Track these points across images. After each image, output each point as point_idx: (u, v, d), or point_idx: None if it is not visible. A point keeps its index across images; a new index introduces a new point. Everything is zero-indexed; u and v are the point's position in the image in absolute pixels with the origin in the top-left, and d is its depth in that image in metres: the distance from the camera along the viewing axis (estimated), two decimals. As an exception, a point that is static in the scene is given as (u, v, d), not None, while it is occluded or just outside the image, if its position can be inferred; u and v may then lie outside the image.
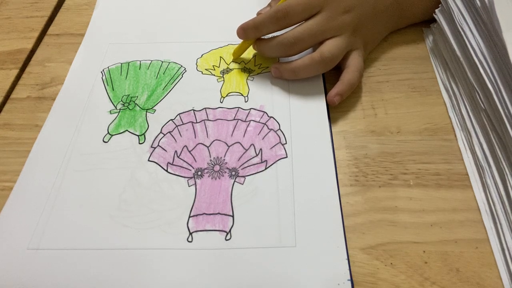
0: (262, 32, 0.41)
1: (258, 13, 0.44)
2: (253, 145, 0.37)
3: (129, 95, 0.42)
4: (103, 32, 0.49)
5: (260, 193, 0.34)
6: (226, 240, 0.32)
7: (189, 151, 0.37)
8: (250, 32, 0.41)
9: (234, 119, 0.39)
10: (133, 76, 0.44)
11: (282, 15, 0.39)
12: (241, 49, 0.44)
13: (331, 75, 0.42)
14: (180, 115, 0.40)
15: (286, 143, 0.37)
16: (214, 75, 0.44)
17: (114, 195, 0.35)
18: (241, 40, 0.43)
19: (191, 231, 0.32)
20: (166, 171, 0.36)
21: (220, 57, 0.45)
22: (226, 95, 0.41)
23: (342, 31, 0.40)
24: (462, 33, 0.37)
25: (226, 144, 0.37)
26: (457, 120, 0.38)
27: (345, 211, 0.33)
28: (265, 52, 0.42)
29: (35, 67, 0.46)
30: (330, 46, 0.39)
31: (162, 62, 0.45)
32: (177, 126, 0.39)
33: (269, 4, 0.46)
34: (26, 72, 0.46)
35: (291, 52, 0.41)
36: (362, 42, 0.42)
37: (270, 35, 0.42)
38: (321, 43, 0.40)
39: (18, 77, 0.45)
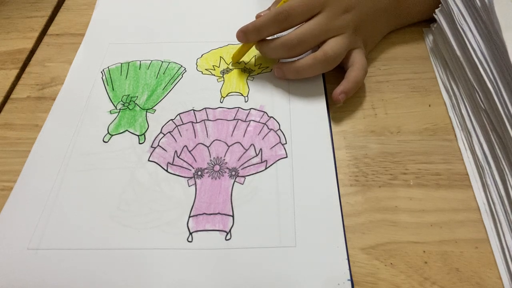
0: (263, 35, 0.41)
1: (257, 16, 0.44)
2: (253, 145, 0.37)
3: (129, 95, 0.42)
4: (103, 32, 0.49)
5: (260, 193, 0.34)
6: (226, 240, 0.32)
7: (189, 151, 0.37)
8: (251, 35, 0.41)
9: (234, 119, 0.39)
10: (133, 76, 0.44)
11: (284, 17, 0.39)
12: (241, 52, 0.44)
13: (331, 75, 0.42)
14: (180, 115, 0.40)
15: (286, 143, 0.37)
16: (214, 75, 0.44)
17: (114, 195, 0.34)
18: (241, 43, 0.43)
19: (191, 231, 0.32)
20: (166, 171, 0.36)
21: (220, 57, 0.45)
22: (226, 95, 0.41)
23: (344, 30, 0.40)
24: (462, 33, 0.37)
25: (226, 144, 0.37)
26: (457, 120, 0.38)
27: (345, 211, 0.33)
28: (267, 53, 0.42)
29: (35, 67, 0.46)
30: (333, 45, 0.39)
31: (162, 62, 0.45)
32: (177, 126, 0.39)
33: (269, 8, 0.45)
34: (26, 72, 0.46)
35: (294, 53, 0.41)
36: (362, 41, 0.42)
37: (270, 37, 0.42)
38: (322, 42, 0.40)
39: (18, 77, 0.45)
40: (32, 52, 0.48)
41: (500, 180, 0.32)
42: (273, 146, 0.37)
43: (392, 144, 0.37)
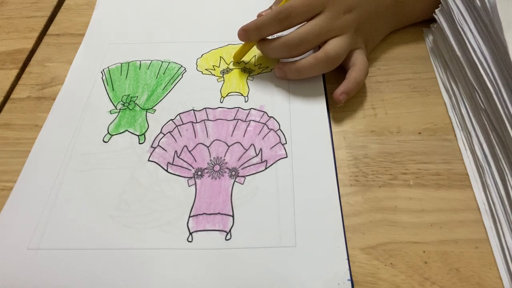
0: (264, 34, 0.41)
1: (259, 15, 0.44)
2: (253, 145, 0.37)
3: (129, 95, 0.42)
4: (103, 32, 0.49)
5: (260, 193, 0.34)
6: (226, 240, 0.32)
7: (189, 151, 0.37)
8: (252, 34, 0.41)
9: (234, 119, 0.39)
10: (133, 76, 0.44)
11: (285, 16, 0.39)
12: (242, 52, 0.44)
13: (331, 75, 0.42)
14: (180, 115, 0.40)
15: (286, 143, 0.37)
16: (214, 75, 0.44)
17: (114, 195, 0.35)
18: (242, 43, 0.43)
19: (191, 231, 0.32)
20: (166, 171, 0.36)
21: (220, 57, 0.45)
22: (226, 95, 0.41)
23: (345, 30, 0.40)
24: (462, 33, 0.37)
25: (226, 144, 0.37)
26: (457, 120, 0.38)
27: (345, 211, 0.33)
28: (268, 53, 0.42)
29: (35, 67, 0.46)
30: (334, 45, 0.39)
31: (162, 62, 0.45)
32: (177, 126, 0.39)
33: (271, 7, 0.45)
34: (26, 72, 0.46)
35: (296, 53, 0.41)
36: (363, 41, 0.42)
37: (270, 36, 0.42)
38: (323, 43, 0.40)
39: (18, 77, 0.45)
40: (32, 52, 0.48)
41: (500, 180, 0.32)
42: (273, 146, 0.37)
43: (392, 144, 0.37)
